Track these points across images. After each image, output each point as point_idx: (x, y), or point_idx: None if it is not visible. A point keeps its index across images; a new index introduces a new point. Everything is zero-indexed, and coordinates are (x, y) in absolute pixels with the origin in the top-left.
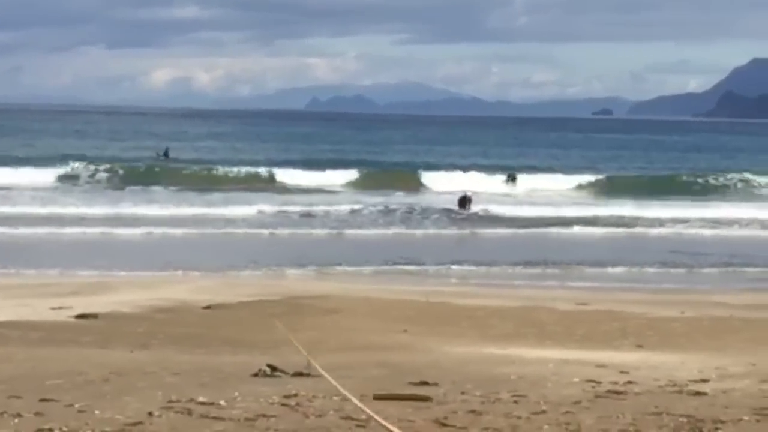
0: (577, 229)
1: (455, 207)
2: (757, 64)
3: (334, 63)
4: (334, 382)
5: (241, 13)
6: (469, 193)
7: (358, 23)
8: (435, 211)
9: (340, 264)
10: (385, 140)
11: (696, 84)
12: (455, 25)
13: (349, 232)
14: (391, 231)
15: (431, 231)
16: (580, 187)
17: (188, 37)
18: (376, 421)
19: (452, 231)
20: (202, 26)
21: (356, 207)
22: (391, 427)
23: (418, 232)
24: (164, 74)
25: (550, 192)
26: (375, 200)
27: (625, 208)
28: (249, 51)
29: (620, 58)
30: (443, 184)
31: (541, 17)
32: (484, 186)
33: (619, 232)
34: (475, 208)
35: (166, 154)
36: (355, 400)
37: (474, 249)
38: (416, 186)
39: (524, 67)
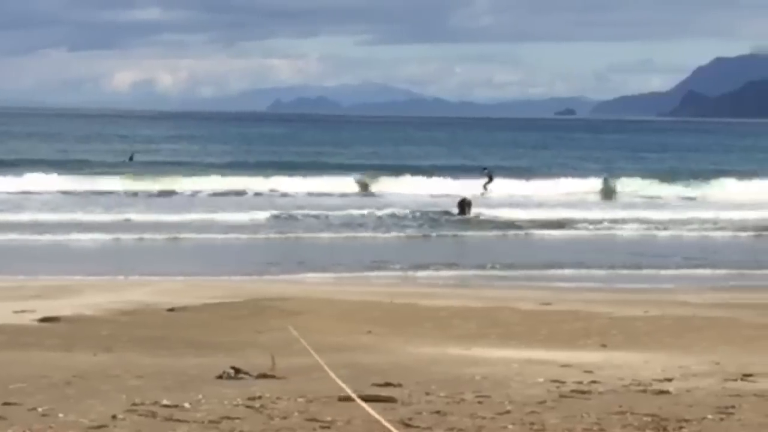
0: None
1: (455, 210)
2: (720, 63)
3: (296, 64)
4: (340, 383)
5: (203, 15)
6: (468, 197)
7: (320, 24)
8: (435, 214)
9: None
10: (363, 141)
11: (659, 83)
12: (418, 26)
13: (364, 235)
14: (406, 234)
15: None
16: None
17: (151, 39)
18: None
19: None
20: (165, 28)
21: (364, 212)
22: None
23: (434, 234)
24: (127, 76)
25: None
26: (377, 203)
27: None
28: (212, 53)
29: (583, 58)
30: (426, 186)
31: (504, 17)
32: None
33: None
34: (474, 211)
35: (131, 159)
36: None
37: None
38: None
39: (487, 68)
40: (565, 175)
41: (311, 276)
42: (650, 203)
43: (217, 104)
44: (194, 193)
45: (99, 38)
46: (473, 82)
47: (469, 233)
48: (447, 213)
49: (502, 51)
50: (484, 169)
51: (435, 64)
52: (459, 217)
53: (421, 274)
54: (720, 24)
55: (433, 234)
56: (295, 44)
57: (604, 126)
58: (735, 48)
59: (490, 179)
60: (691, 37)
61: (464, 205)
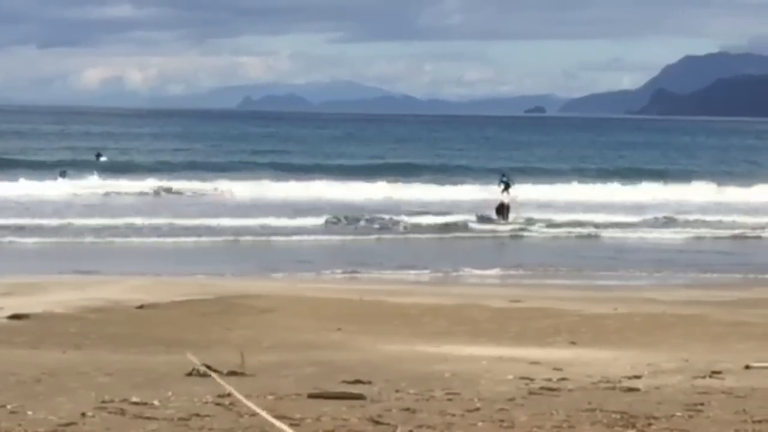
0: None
1: (493, 215)
2: (689, 61)
3: (267, 62)
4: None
5: (174, 12)
6: (506, 201)
7: (290, 22)
8: (474, 220)
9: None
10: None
11: (629, 81)
12: (388, 24)
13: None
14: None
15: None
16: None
17: (121, 36)
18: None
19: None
20: (135, 25)
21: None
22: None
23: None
24: (96, 73)
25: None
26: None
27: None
28: (182, 50)
29: (553, 55)
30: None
31: (475, 15)
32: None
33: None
34: (512, 215)
35: (98, 157)
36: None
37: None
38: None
39: (457, 66)
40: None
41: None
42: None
43: (187, 102)
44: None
45: (69, 35)
46: (443, 79)
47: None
48: (487, 218)
49: (471, 49)
50: (503, 176)
51: (405, 61)
52: (502, 222)
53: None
54: (689, 22)
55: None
56: (266, 42)
57: (561, 124)
58: (704, 46)
59: (507, 187)
60: (661, 35)
61: (504, 209)
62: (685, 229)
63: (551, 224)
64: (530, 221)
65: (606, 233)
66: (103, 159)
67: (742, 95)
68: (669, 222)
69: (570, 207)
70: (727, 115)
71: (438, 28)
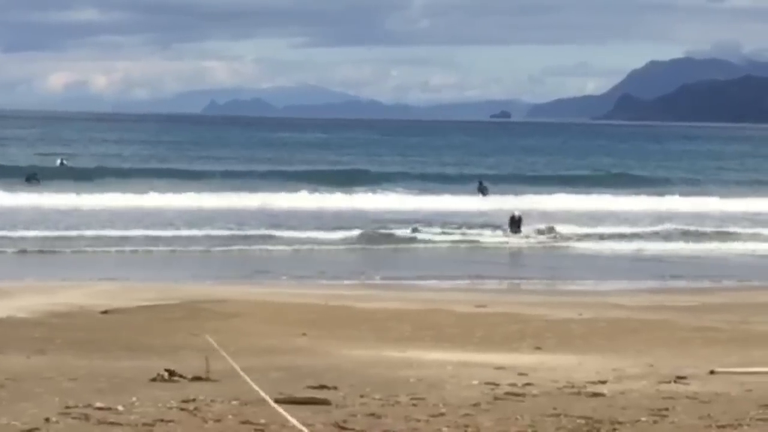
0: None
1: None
2: (654, 66)
3: (232, 66)
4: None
5: (139, 17)
6: (517, 213)
7: (256, 26)
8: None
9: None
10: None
11: (594, 86)
12: (354, 28)
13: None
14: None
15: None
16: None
17: (86, 41)
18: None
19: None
20: (101, 30)
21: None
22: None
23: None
24: (61, 78)
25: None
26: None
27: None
28: (147, 54)
29: (519, 61)
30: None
31: (440, 20)
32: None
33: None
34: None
35: (61, 162)
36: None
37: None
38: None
39: (423, 70)
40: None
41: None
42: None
43: (152, 106)
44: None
45: (33, 40)
46: (409, 84)
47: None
48: (498, 228)
49: (438, 54)
50: (480, 182)
51: (371, 66)
52: (514, 235)
53: None
54: (654, 28)
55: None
56: (231, 46)
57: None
58: (669, 52)
59: (485, 192)
60: (626, 40)
61: (515, 221)
62: (706, 242)
63: (584, 237)
64: (550, 233)
65: (648, 246)
66: (65, 164)
67: (707, 100)
68: (687, 234)
69: (593, 218)
70: (692, 121)
71: (404, 32)
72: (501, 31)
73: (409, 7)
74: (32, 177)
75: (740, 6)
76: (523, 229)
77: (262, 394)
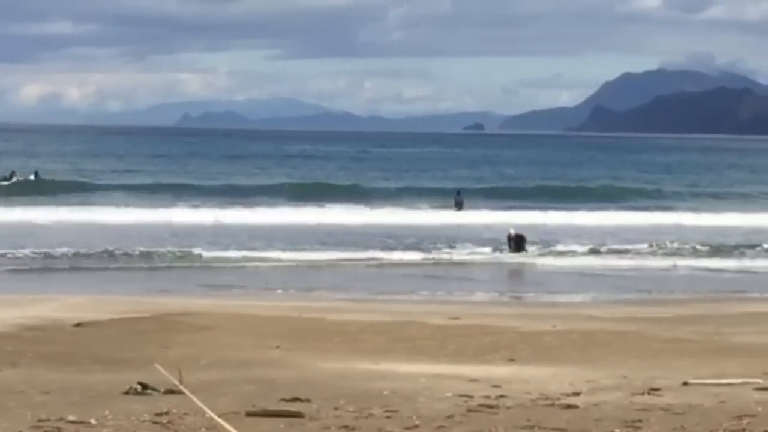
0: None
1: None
2: (627, 78)
3: (205, 78)
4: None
5: (113, 29)
6: (512, 231)
7: (229, 39)
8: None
9: None
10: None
11: (567, 98)
12: (328, 41)
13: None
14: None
15: None
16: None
17: (60, 53)
18: None
19: None
20: (75, 42)
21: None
22: None
23: None
24: (34, 90)
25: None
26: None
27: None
28: (120, 67)
29: (493, 72)
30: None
31: (414, 33)
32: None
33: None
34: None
35: (36, 176)
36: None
37: None
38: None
39: (397, 83)
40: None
41: None
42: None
43: (125, 118)
44: None
45: (7, 52)
46: (383, 96)
47: None
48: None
49: (411, 66)
50: (458, 194)
51: (344, 78)
52: (517, 254)
53: None
54: (628, 40)
55: None
56: (204, 58)
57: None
58: (643, 63)
59: (460, 205)
60: (600, 52)
61: (519, 240)
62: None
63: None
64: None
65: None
66: (39, 177)
67: (680, 112)
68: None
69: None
70: (666, 132)
71: (378, 45)
72: (475, 43)
73: (384, 19)
74: (12, 175)
75: (714, 18)
76: (528, 247)
77: (199, 404)
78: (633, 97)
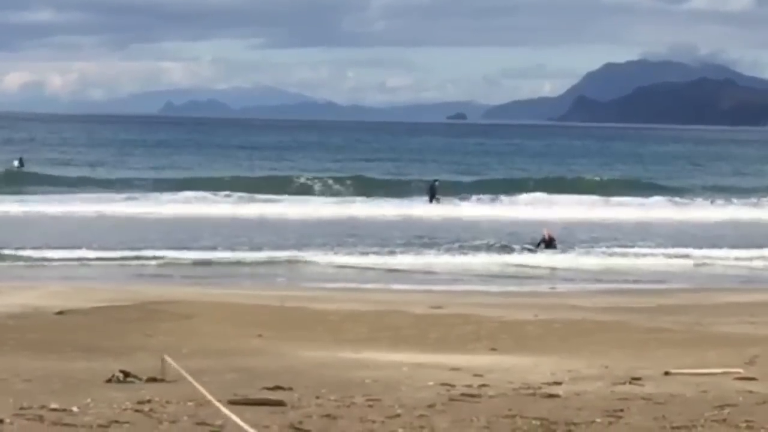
0: None
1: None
2: (610, 68)
3: (189, 67)
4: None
5: (96, 17)
6: (545, 231)
7: (212, 27)
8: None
9: None
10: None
11: (550, 88)
12: (310, 30)
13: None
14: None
15: None
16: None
17: (42, 41)
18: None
19: None
20: (57, 30)
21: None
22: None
23: None
24: (16, 78)
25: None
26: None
27: None
28: (103, 55)
29: (475, 62)
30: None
31: (398, 22)
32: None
33: None
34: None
35: (21, 164)
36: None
37: None
38: None
39: (380, 72)
40: None
41: None
42: None
43: (108, 107)
44: None
45: None
46: (365, 86)
47: None
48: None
49: (394, 55)
50: (435, 181)
51: (327, 68)
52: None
53: None
54: (610, 30)
55: None
56: (187, 47)
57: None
58: (624, 54)
59: (434, 195)
60: (582, 43)
61: (551, 241)
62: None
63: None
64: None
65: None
66: (23, 164)
67: (663, 102)
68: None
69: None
70: (648, 122)
71: (361, 34)
72: (457, 33)
73: (366, 8)
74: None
75: (697, 8)
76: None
77: (205, 392)
78: (615, 88)
